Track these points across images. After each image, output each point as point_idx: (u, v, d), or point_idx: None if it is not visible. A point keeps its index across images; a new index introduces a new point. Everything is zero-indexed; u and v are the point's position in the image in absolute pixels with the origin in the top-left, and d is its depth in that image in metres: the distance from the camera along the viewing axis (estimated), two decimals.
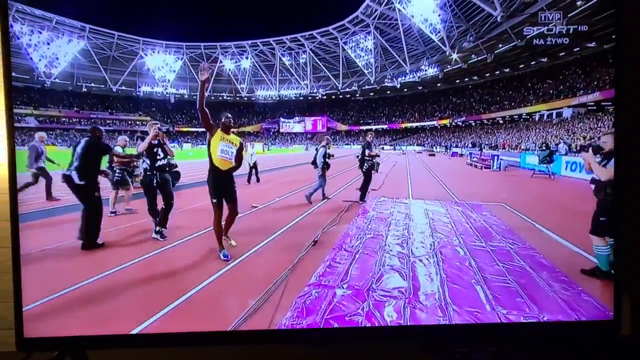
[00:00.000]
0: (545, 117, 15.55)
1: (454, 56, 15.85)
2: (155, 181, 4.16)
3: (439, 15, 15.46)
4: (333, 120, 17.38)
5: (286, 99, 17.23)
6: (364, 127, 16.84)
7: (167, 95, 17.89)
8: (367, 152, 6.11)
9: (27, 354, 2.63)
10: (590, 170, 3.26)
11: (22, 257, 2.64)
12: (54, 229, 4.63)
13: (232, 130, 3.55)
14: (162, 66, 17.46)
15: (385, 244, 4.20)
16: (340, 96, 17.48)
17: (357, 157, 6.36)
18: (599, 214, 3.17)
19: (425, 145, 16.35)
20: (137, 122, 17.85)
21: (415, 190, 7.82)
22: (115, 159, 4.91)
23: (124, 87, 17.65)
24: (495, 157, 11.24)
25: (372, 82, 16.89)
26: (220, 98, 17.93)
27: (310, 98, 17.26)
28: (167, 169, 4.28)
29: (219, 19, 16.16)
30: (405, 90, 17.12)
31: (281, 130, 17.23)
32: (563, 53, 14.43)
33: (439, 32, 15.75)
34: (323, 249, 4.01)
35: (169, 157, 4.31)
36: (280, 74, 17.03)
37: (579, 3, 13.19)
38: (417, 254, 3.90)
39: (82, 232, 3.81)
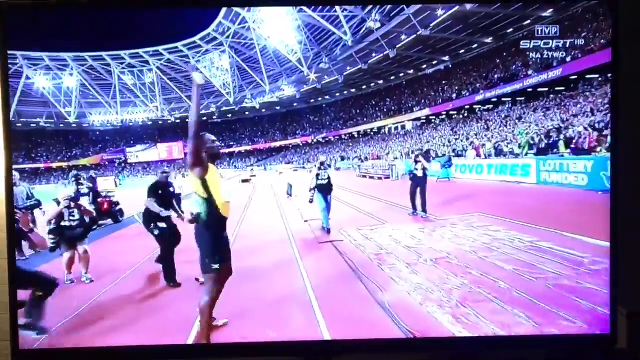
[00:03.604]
0: (393, 130, 17.86)
1: (312, 76, 16.66)
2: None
3: (295, 37, 16.01)
4: None
5: (132, 123, 14.84)
6: (227, 150, 16.02)
7: None
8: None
9: None
10: None
11: None
12: None
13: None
14: None
15: (440, 277, 3.43)
16: None
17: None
18: None
19: (295, 162, 16.62)
20: None
21: (374, 213, 6.44)
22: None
23: None
24: (393, 167, 11.05)
25: (231, 102, 16.22)
26: (34, 125, 14.09)
27: (161, 122, 15.35)
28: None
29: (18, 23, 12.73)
30: (264, 110, 17.10)
31: (129, 161, 14.73)
32: (393, 77, 16.88)
33: (295, 53, 16.30)
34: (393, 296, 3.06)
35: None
36: (121, 95, 14.59)
37: (403, 37, 15.66)
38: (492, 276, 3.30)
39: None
